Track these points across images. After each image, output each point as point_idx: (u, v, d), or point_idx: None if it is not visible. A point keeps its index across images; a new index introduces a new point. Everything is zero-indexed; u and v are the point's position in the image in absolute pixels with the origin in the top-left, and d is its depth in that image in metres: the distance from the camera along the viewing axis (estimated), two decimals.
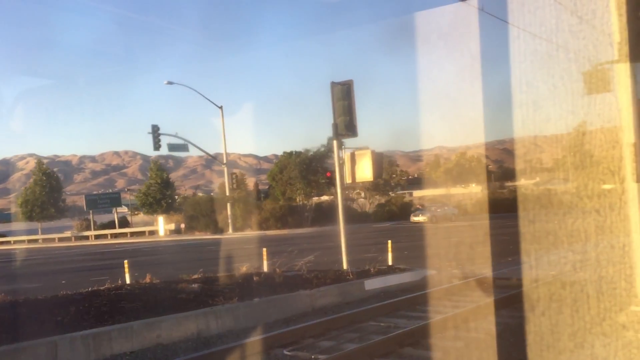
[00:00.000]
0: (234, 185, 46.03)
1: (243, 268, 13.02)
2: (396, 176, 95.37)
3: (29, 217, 55.28)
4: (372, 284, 12.37)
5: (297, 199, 50.00)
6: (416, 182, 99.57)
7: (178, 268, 18.77)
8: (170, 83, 41.97)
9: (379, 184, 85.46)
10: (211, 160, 46.64)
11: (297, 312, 10.36)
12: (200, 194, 75.05)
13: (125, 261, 13.24)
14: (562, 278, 12.31)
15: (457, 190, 69.47)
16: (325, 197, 62.03)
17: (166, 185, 51.28)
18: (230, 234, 44.49)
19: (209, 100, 44.34)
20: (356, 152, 13.99)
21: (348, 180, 14.02)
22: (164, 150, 43.70)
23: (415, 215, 46.58)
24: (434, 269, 15.38)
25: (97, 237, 51.42)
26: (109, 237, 50.59)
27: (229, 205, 45.12)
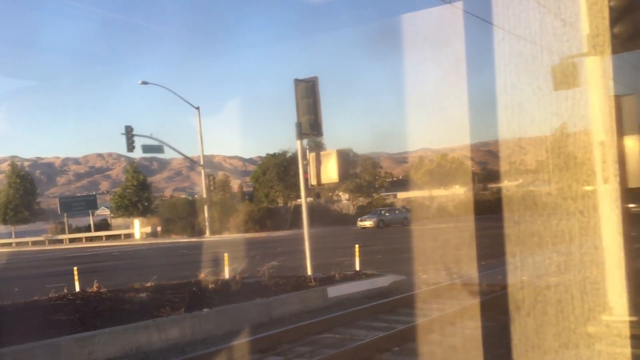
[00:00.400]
0: (212, 187, 45.22)
1: (201, 275, 12.34)
2: (379, 178, 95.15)
3: (3, 220, 54.05)
4: (336, 291, 11.75)
5: (277, 201, 49.37)
6: (401, 184, 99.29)
7: (140, 274, 18.00)
8: (144, 83, 41.08)
9: (363, 186, 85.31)
10: (199, 163, 45.77)
11: (251, 322, 9.70)
12: (183, 196, 74.12)
13: (75, 268, 12.53)
14: (538, 283, 11.80)
15: (440, 192, 69.33)
16: (309, 199, 61.46)
17: (143, 187, 50.30)
18: (207, 237, 43.69)
19: (185, 101, 43.56)
20: (322, 153, 13.38)
21: (313, 181, 13.40)
22: (141, 152, 42.81)
23: (361, 220, 43.35)
24: (404, 273, 14.81)
25: (71, 240, 50.32)
26: (84, 240, 49.52)
27: (205, 207, 44.34)
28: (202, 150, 45.13)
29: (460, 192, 67.43)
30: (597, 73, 7.69)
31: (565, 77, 7.92)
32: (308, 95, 13.21)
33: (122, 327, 8.11)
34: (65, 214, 51.04)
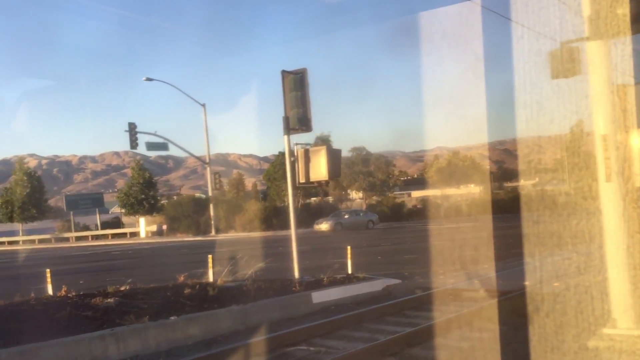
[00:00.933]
0: (218, 186, 44.62)
1: (181, 278, 11.63)
2: (393, 176, 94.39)
3: (10, 218, 53.93)
4: (322, 296, 10.97)
5: (284, 200, 48.65)
6: (415, 183, 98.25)
7: (129, 275, 17.36)
8: (148, 79, 40.53)
9: (376, 184, 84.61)
10: (212, 161, 45.19)
11: (224, 331, 8.97)
12: (197, 194, 73.66)
13: (48, 269, 11.84)
14: (535, 291, 10.94)
15: (455, 191, 68.34)
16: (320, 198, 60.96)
17: (149, 185, 49.80)
18: (212, 235, 43.12)
19: (191, 98, 42.96)
20: (310, 149, 12.60)
21: (302, 179, 12.63)
22: (145, 150, 42.32)
23: (318, 223, 40.81)
24: (400, 277, 14.01)
25: (77, 239, 50.01)
26: (90, 238, 49.18)
27: (211, 206, 43.75)
28: (208, 148, 44.54)
29: (475, 190, 66.21)
30: (599, 59, 6.83)
31: (565, 64, 7.14)
32: (296, 87, 12.44)
33: (73, 338, 7.41)
34: (71, 212, 50.67)
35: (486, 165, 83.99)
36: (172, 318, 8.55)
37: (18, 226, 55.60)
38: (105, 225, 54.39)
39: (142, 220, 46.97)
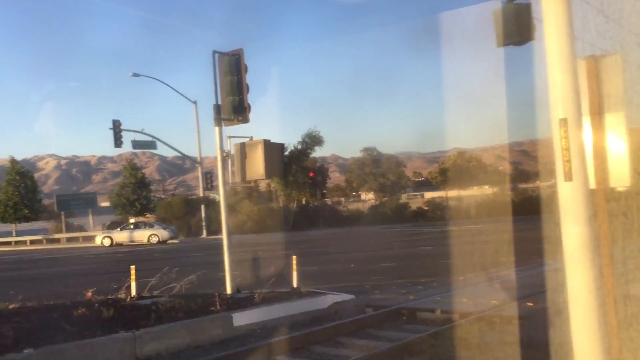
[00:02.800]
0: (209, 186, 43.01)
1: (89, 293, 9.93)
2: (404, 178, 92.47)
3: (2, 218, 52.64)
4: (247, 317, 9.22)
5: (279, 201, 47.03)
6: (428, 184, 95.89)
7: (67, 284, 15.80)
8: (135, 75, 39.08)
9: (387, 185, 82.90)
10: (194, 161, 43.79)
11: None
12: (212, 195, 72.18)
13: None
14: (491, 313, 9.09)
15: (467, 193, 66.30)
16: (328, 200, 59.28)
17: (141, 185, 48.26)
18: (203, 237, 41.56)
19: (182, 95, 41.43)
20: (246, 143, 10.86)
21: (237, 178, 10.92)
22: (164, 150, 40.92)
23: (99, 236, 38.77)
24: (359, 291, 12.23)
25: (68, 240, 48.63)
26: (81, 240, 47.77)
27: (202, 207, 42.19)
28: (200, 147, 42.99)
29: (488, 192, 63.92)
30: (556, 22, 4.92)
31: (512, 28, 5.41)
32: (232, 71, 10.71)
33: None
34: (62, 213, 49.24)
35: (500, 166, 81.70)
36: (27, 351, 6.84)
37: (12, 227, 54.39)
38: (114, 225, 52.77)
39: (132, 221, 45.41)
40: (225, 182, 11.07)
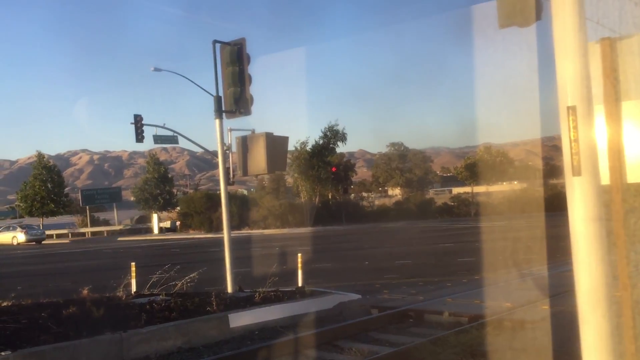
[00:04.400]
0: (232, 181, 42.71)
1: (85, 291, 9.66)
2: (431, 173, 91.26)
3: (29, 212, 53.43)
4: (244, 318, 8.81)
5: (302, 196, 46.63)
6: (455, 180, 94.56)
7: (74, 280, 15.60)
8: (157, 70, 38.92)
9: (413, 180, 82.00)
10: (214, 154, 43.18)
11: None
12: (241, 190, 72.42)
13: None
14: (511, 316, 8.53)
15: (496, 188, 65.09)
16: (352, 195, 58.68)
17: (164, 180, 48.36)
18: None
19: (203, 89, 41.06)
20: (248, 137, 10.45)
21: (239, 172, 10.53)
22: (193, 145, 40.82)
23: None
24: (367, 290, 11.75)
25: (93, 234, 49.07)
26: (105, 234, 48.16)
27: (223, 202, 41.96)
28: (221, 141, 42.66)
29: (517, 187, 62.54)
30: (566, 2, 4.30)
31: (516, 7, 4.79)
32: (233, 62, 10.31)
33: None
34: (87, 207, 49.69)
35: (529, 161, 79.82)
36: (4, 353, 6.52)
37: (39, 220, 55.13)
38: (140, 221, 53.07)
39: (155, 217, 45.54)
40: (226, 177, 10.68)
